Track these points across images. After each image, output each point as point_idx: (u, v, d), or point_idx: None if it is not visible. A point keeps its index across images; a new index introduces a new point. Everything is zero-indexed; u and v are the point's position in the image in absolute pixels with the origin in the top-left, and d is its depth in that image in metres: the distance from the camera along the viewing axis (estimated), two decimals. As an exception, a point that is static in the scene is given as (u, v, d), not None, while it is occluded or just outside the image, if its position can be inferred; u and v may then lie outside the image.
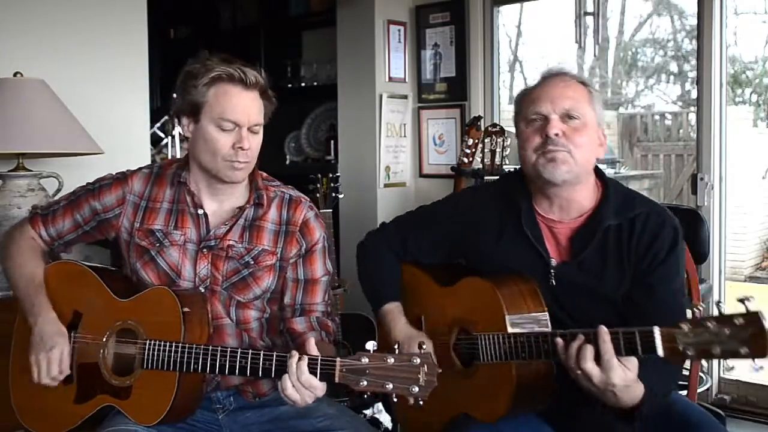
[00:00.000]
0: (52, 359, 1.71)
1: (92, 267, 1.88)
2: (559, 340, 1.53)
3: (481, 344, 1.70)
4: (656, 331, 1.42)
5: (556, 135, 1.70)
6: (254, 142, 1.78)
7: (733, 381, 3.42)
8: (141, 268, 1.82)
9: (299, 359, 1.53)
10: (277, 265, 1.84)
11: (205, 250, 1.81)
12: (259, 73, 1.78)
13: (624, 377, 1.46)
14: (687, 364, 2.11)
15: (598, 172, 1.82)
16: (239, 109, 1.74)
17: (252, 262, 1.82)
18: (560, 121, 1.71)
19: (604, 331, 1.47)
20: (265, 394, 1.87)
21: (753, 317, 1.36)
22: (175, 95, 1.82)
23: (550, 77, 1.77)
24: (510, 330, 1.65)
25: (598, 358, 1.47)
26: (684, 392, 1.96)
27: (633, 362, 1.48)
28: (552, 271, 1.75)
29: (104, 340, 1.76)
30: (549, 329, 1.65)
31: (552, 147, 1.70)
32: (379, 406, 2.93)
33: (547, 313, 1.69)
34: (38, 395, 1.81)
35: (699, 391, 2.47)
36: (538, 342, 1.58)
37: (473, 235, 1.86)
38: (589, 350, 1.47)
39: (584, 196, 1.77)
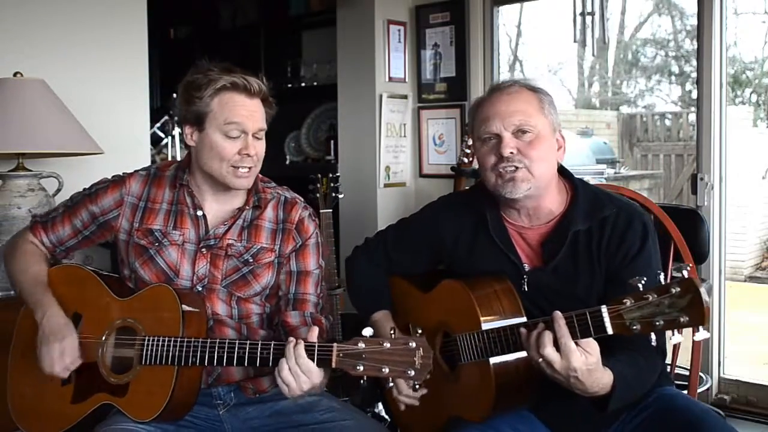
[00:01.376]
0: (65, 349, 1.72)
1: (94, 270, 1.89)
2: (523, 330, 1.54)
3: (459, 345, 1.72)
4: (603, 309, 1.43)
5: (511, 153, 1.70)
6: (259, 148, 1.81)
7: (733, 381, 3.42)
8: (140, 267, 1.84)
9: (296, 344, 1.55)
10: (275, 262, 1.87)
11: (204, 249, 1.83)
12: (261, 80, 1.81)
13: (584, 361, 1.46)
14: (687, 363, 2.11)
15: (566, 173, 1.82)
16: (245, 116, 1.77)
17: (251, 260, 1.84)
18: (513, 137, 1.71)
19: (558, 316, 1.48)
20: (265, 391, 1.87)
21: (688, 284, 1.37)
22: (177, 104, 1.85)
23: (497, 91, 1.76)
24: (483, 327, 1.66)
25: (557, 344, 1.47)
26: (684, 392, 1.96)
27: (593, 346, 1.48)
28: (525, 276, 1.76)
29: (103, 338, 1.76)
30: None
31: (508, 166, 1.71)
32: (380, 405, 2.93)
33: (522, 311, 1.69)
34: (35, 396, 1.82)
35: (699, 391, 2.47)
36: (507, 335, 1.60)
37: (449, 246, 1.88)
38: (548, 336, 1.48)
39: (552, 202, 1.77)
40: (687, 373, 2.06)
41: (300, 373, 1.55)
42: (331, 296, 3.09)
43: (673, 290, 1.37)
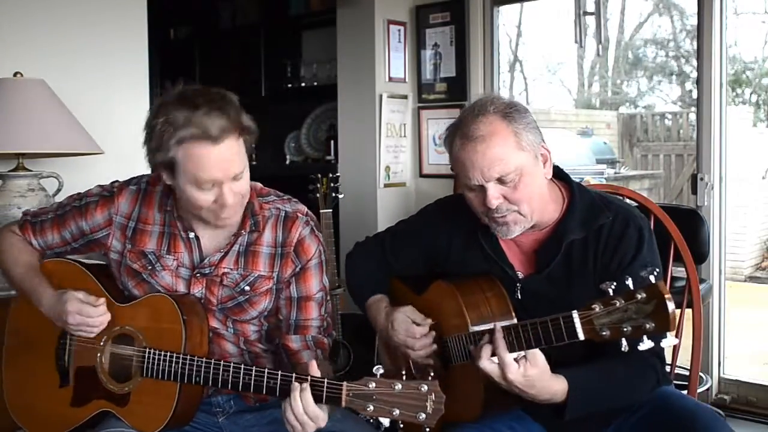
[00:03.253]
0: (82, 305, 1.69)
1: (88, 267, 1.86)
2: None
3: (450, 346, 1.73)
4: (575, 314, 1.42)
5: (499, 204, 1.65)
6: (240, 188, 1.65)
7: (733, 381, 3.42)
8: (134, 287, 1.79)
9: (302, 390, 1.50)
10: (273, 288, 1.79)
11: (199, 275, 1.77)
12: (225, 111, 1.58)
13: (522, 372, 1.47)
14: (687, 363, 2.11)
15: (562, 176, 1.78)
16: (214, 168, 1.59)
17: (248, 289, 1.77)
18: (496, 185, 1.64)
19: (497, 329, 1.50)
20: (266, 399, 1.84)
21: (653, 289, 1.34)
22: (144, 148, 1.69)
23: (468, 140, 1.64)
24: (471, 329, 1.66)
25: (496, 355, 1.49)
26: (684, 392, 1.96)
27: (537, 359, 1.48)
28: (518, 284, 1.75)
29: (101, 344, 1.74)
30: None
31: (497, 215, 1.67)
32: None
33: (512, 312, 1.69)
34: (32, 395, 1.81)
35: (699, 391, 2.47)
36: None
37: (443, 251, 1.87)
38: (486, 349, 1.50)
39: (546, 212, 1.74)
40: (687, 373, 2.06)
41: (307, 421, 1.51)
42: (331, 296, 3.09)
43: (639, 296, 1.35)
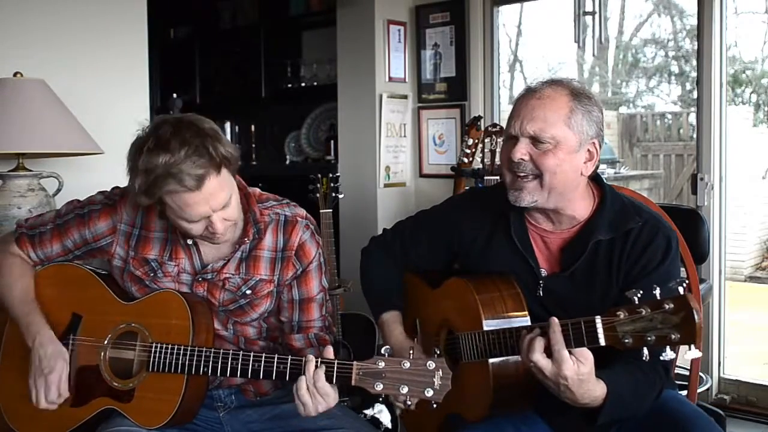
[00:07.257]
0: (51, 383, 1.70)
1: (92, 270, 1.86)
2: (524, 333, 1.55)
3: (461, 343, 1.72)
4: (598, 320, 1.43)
5: (522, 159, 1.66)
6: (229, 215, 1.69)
7: (733, 381, 3.42)
8: (136, 291, 1.81)
9: (316, 366, 1.55)
10: (274, 291, 1.81)
11: (201, 279, 1.79)
12: (202, 151, 1.59)
13: (576, 370, 1.46)
14: (687, 364, 2.11)
15: (596, 178, 1.79)
16: (199, 208, 1.63)
17: (250, 293, 1.79)
18: (529, 143, 1.66)
19: (555, 323, 1.48)
20: (266, 393, 1.87)
21: (682, 301, 1.35)
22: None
23: (529, 92, 1.70)
24: (485, 328, 1.66)
25: (550, 351, 1.48)
26: (684, 392, 1.96)
27: (586, 355, 1.47)
28: (541, 282, 1.74)
29: (105, 342, 1.75)
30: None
31: (518, 172, 1.68)
32: (379, 406, 2.93)
33: (526, 313, 1.69)
34: (29, 398, 1.80)
35: (699, 391, 2.47)
36: (507, 337, 1.60)
37: (466, 243, 1.86)
38: (539, 342, 1.49)
39: (576, 209, 1.74)
40: (687, 373, 2.06)
41: (317, 395, 1.56)
42: (332, 296, 3.09)
43: (666, 306, 1.36)
